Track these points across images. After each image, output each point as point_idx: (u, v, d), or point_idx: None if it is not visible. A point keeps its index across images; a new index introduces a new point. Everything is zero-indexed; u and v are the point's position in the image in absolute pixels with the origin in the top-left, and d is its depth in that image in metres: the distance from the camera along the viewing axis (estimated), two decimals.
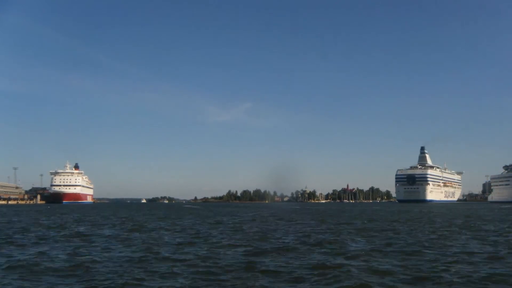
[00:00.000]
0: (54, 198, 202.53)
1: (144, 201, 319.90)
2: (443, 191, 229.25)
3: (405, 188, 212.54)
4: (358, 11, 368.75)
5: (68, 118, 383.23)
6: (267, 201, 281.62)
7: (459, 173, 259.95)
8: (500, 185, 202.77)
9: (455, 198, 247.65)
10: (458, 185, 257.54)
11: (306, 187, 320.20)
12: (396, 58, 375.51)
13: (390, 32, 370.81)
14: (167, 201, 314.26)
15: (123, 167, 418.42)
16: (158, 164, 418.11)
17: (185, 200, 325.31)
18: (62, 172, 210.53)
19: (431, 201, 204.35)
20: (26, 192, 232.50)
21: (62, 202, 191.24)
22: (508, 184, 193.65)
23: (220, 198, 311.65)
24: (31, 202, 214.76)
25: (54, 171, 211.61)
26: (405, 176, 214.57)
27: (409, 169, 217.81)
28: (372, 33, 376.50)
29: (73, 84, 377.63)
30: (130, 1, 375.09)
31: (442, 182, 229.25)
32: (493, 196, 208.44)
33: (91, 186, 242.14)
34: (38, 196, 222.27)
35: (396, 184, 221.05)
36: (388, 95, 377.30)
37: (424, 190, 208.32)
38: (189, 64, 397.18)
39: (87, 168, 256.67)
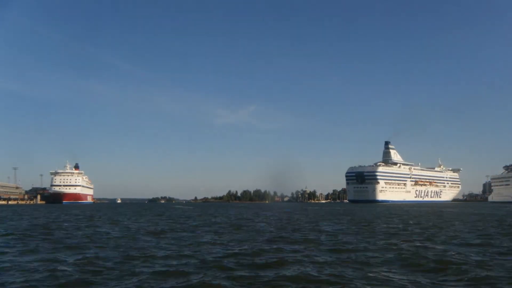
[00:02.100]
0: (54, 198, 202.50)
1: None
2: (412, 190, 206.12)
3: (354, 188, 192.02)
4: (363, 19, 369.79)
5: (68, 118, 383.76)
6: (267, 201, 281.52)
7: (455, 171, 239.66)
8: (500, 185, 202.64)
9: (444, 198, 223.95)
10: (452, 183, 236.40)
11: (306, 187, 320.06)
12: (397, 63, 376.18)
13: (392, 39, 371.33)
14: (163, 201, 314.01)
15: (123, 167, 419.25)
16: (158, 164, 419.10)
17: (185, 200, 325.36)
18: (62, 172, 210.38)
19: (384, 201, 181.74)
20: (26, 192, 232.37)
21: (62, 202, 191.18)
22: (508, 184, 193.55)
23: (220, 198, 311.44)
24: (31, 202, 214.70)
25: (54, 171, 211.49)
26: (354, 174, 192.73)
27: (359, 166, 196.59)
28: (374, 40, 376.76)
29: (75, 85, 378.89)
30: (144, 10, 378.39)
31: (412, 181, 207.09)
32: (493, 196, 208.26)
33: (91, 186, 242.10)
34: (38, 196, 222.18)
35: (346, 183, 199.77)
36: (388, 98, 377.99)
37: (374, 189, 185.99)
38: (196, 68, 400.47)
39: (87, 168, 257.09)
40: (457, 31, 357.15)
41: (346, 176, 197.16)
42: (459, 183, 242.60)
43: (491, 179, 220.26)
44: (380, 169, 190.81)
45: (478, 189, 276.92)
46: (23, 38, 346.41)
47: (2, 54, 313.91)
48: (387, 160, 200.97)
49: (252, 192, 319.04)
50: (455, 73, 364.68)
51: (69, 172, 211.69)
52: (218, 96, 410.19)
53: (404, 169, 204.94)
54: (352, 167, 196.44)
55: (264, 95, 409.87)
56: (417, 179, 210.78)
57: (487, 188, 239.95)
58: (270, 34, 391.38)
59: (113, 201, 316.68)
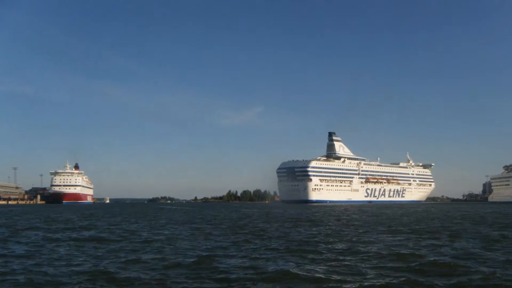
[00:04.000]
0: (54, 198, 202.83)
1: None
2: (361, 188, 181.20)
3: (286, 186, 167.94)
4: (364, 19, 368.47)
5: (68, 118, 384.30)
6: (267, 201, 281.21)
7: (426, 166, 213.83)
8: (500, 185, 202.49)
9: (409, 198, 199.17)
10: (421, 180, 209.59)
11: None
12: (400, 67, 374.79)
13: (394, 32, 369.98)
14: (169, 201, 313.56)
15: (124, 167, 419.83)
16: (158, 164, 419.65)
17: (185, 200, 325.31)
18: (62, 172, 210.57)
19: (320, 201, 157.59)
20: (26, 192, 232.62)
21: (62, 202, 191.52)
22: (508, 184, 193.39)
23: (220, 198, 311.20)
24: (31, 202, 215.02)
25: (54, 171, 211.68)
26: (285, 170, 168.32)
27: (292, 161, 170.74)
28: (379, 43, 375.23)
29: (76, 85, 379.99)
30: (149, 10, 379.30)
31: (362, 178, 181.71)
32: (493, 196, 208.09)
33: (91, 186, 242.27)
34: (38, 196, 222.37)
35: (278, 180, 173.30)
36: (389, 101, 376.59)
37: (305, 188, 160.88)
38: (202, 69, 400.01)
39: (87, 168, 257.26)
40: (456, 28, 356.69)
41: (277, 172, 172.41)
42: (432, 180, 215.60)
43: (491, 179, 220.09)
44: (314, 163, 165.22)
45: (478, 189, 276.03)
46: (24, 37, 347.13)
47: (2, 55, 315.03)
48: (330, 154, 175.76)
49: (252, 192, 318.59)
50: (455, 73, 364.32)
51: (69, 172, 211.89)
52: (224, 98, 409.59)
53: (351, 164, 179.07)
54: (284, 162, 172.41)
55: (269, 97, 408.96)
56: (368, 176, 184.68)
57: (487, 188, 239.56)
58: (277, 36, 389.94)
59: (115, 201, 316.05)
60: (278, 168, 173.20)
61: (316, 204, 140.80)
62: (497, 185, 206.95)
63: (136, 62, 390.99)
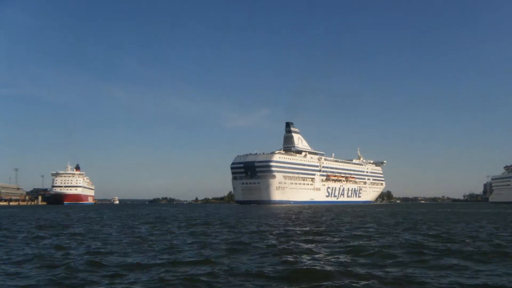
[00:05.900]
0: (55, 199, 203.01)
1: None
2: (323, 187, 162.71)
3: (243, 184, 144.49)
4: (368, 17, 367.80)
5: (69, 118, 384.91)
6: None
7: (377, 164, 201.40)
8: (500, 185, 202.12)
9: (364, 198, 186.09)
10: (374, 179, 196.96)
11: None
12: (399, 65, 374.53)
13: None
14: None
15: (124, 168, 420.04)
16: (159, 165, 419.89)
17: (185, 200, 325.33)
18: (63, 173, 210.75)
19: (284, 202, 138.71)
20: (27, 193, 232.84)
21: (63, 203, 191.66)
22: (509, 185, 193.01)
23: (221, 199, 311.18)
24: (32, 203, 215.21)
25: (55, 172, 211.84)
26: (242, 166, 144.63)
27: (249, 154, 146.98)
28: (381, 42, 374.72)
29: (77, 85, 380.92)
30: (154, 10, 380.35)
31: (323, 175, 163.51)
32: (494, 197, 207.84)
33: (92, 187, 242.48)
34: (39, 197, 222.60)
35: (233, 178, 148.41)
36: (391, 100, 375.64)
37: (268, 186, 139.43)
38: (210, 71, 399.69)
39: (88, 169, 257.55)
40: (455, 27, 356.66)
41: (231, 168, 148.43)
42: (383, 179, 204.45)
43: (492, 179, 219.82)
44: (277, 157, 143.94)
45: (478, 190, 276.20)
46: (25, 36, 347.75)
47: (5, 56, 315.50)
48: (289, 147, 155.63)
49: None
50: (456, 72, 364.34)
51: (70, 173, 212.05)
52: (229, 100, 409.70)
53: (312, 160, 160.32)
54: (240, 156, 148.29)
55: (276, 99, 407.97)
56: (329, 173, 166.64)
57: (488, 189, 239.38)
58: (283, 37, 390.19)
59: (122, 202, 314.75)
60: (233, 163, 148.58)
61: (280, 205, 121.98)
62: (498, 186, 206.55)
63: (140, 64, 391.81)
